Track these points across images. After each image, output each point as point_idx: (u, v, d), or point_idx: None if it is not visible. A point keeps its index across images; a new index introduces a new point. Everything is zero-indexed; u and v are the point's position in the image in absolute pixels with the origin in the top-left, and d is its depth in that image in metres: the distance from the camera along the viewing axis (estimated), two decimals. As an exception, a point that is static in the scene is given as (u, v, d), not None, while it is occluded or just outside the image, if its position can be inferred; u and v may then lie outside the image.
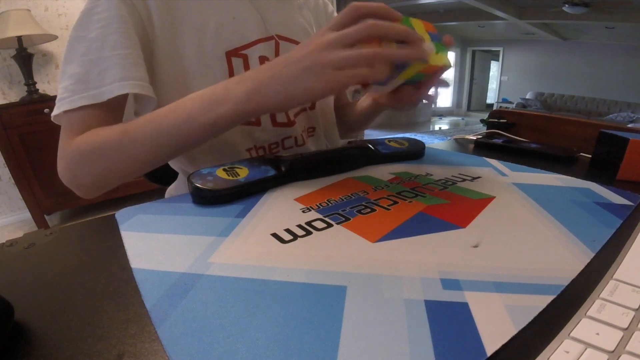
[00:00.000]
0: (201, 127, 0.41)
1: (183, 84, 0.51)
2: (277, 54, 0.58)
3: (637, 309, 0.21)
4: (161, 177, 0.76)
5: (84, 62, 0.43)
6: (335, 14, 0.75)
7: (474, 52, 9.08)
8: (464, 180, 0.48)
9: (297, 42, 0.60)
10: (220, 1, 0.53)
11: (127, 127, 0.42)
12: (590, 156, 0.60)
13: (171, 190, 0.68)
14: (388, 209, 0.38)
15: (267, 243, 0.31)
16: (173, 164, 0.61)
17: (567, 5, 4.62)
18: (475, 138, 0.76)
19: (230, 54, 0.53)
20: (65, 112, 0.43)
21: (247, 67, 0.54)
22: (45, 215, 2.18)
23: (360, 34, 0.37)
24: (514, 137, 0.78)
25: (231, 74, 0.53)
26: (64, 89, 0.43)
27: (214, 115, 0.40)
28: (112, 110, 0.45)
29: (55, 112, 0.44)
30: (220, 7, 0.52)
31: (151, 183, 0.80)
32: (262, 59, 0.55)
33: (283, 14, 0.60)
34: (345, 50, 0.37)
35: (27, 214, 2.18)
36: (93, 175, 0.45)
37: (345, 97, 0.79)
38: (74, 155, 0.44)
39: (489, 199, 0.41)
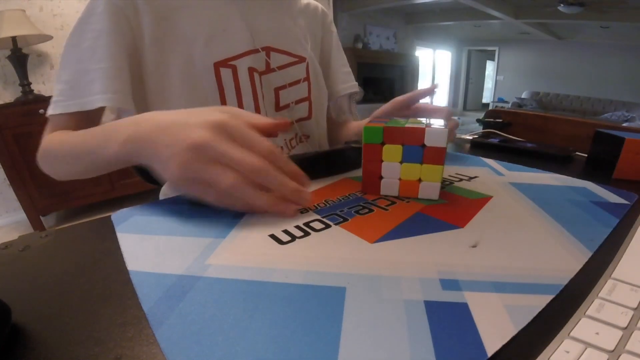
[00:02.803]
0: (99, 162, 0.42)
1: (166, 94, 0.53)
2: (267, 65, 0.58)
3: (636, 308, 0.21)
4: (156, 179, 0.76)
5: (76, 70, 0.47)
6: (333, 25, 0.74)
7: (469, 52, 9.11)
8: (461, 180, 0.48)
9: (287, 53, 0.60)
10: (212, 14, 0.53)
11: (62, 140, 0.46)
12: (586, 155, 0.61)
13: (165, 189, 0.68)
14: (386, 209, 0.38)
15: (265, 244, 0.31)
16: None
17: (562, 5, 4.65)
18: (471, 138, 0.76)
19: (219, 65, 0.53)
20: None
21: (235, 77, 0.54)
22: (40, 217, 2.16)
23: (245, 167, 0.32)
24: (510, 136, 0.78)
25: (219, 84, 0.53)
26: (60, 92, 0.48)
27: (104, 153, 0.39)
28: (92, 115, 0.48)
29: (50, 112, 0.48)
30: (211, 19, 0.53)
31: (147, 184, 0.80)
32: (251, 70, 0.55)
33: (275, 25, 0.59)
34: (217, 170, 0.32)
35: (22, 215, 2.16)
36: (48, 169, 0.51)
37: (340, 115, 0.78)
38: (40, 151, 0.50)
39: (486, 199, 0.41)
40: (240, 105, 0.55)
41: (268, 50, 0.57)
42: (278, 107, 0.61)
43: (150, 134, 0.35)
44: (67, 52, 0.48)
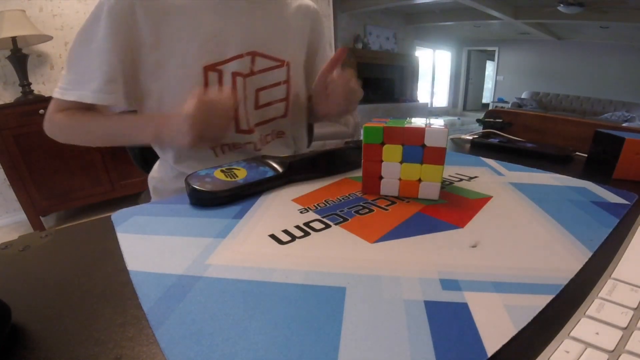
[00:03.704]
0: (130, 141, 0.65)
1: (163, 93, 0.61)
2: (252, 69, 0.63)
3: (635, 308, 0.21)
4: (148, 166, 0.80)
5: (83, 66, 0.56)
6: (322, 23, 0.77)
7: (469, 52, 9.10)
8: (461, 180, 0.48)
9: (271, 57, 0.65)
10: (205, 20, 0.58)
11: (83, 119, 0.59)
12: (586, 155, 0.61)
13: (153, 175, 0.73)
14: (386, 209, 0.38)
15: (265, 244, 0.31)
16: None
17: (562, 5, 4.64)
18: (471, 138, 0.76)
19: (208, 69, 0.59)
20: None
21: (220, 81, 0.61)
22: (40, 217, 2.16)
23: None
24: (510, 136, 0.78)
25: (206, 85, 0.60)
26: (68, 80, 0.57)
27: (138, 138, 0.60)
28: (87, 104, 0.58)
29: (56, 95, 0.58)
30: (204, 25, 0.58)
31: (147, 184, 0.80)
32: (235, 75, 0.61)
33: (264, 30, 0.63)
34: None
35: (22, 216, 2.16)
36: (62, 137, 0.62)
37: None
38: (54, 125, 0.60)
39: (486, 199, 0.41)
40: None
41: (254, 55, 0.63)
42: (257, 106, 0.67)
43: (164, 128, 0.56)
44: (77, 46, 0.56)
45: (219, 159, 0.66)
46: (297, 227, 0.34)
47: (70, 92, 0.56)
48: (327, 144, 2.92)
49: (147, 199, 0.74)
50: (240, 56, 0.61)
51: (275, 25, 0.65)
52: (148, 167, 0.78)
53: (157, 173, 0.73)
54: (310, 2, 0.74)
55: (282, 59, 0.66)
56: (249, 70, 0.63)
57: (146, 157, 0.86)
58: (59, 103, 0.59)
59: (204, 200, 0.40)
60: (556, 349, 0.19)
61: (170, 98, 0.60)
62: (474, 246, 0.31)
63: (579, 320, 0.21)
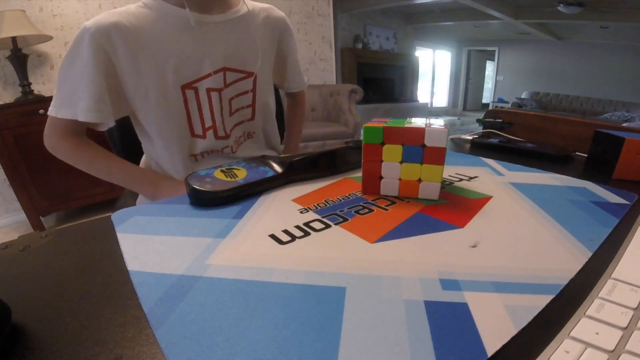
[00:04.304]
0: (131, 187, 0.73)
1: (146, 111, 0.67)
2: (225, 82, 0.70)
3: (635, 308, 0.21)
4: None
5: (70, 88, 0.61)
6: (290, 32, 0.84)
7: (469, 52, 9.09)
8: (461, 180, 0.48)
9: (239, 71, 0.72)
10: (177, 43, 0.64)
11: (87, 156, 0.68)
12: (586, 155, 0.61)
13: (140, 199, 0.79)
14: (386, 209, 0.38)
15: (265, 244, 0.31)
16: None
17: (561, 5, 4.64)
18: (471, 138, 0.76)
19: (185, 87, 0.66)
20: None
21: (197, 97, 0.68)
22: (40, 217, 2.16)
23: None
24: (510, 136, 0.78)
25: (185, 102, 0.68)
26: (60, 99, 0.62)
27: (130, 187, 0.73)
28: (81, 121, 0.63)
29: (51, 113, 0.63)
30: (177, 48, 0.64)
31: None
32: (209, 90, 0.69)
33: (231, 47, 0.70)
34: None
35: (22, 216, 2.16)
36: (66, 161, 0.68)
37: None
38: (58, 151, 0.67)
39: (486, 199, 0.41)
40: (201, 117, 0.70)
41: (225, 70, 0.70)
42: (231, 113, 0.75)
43: (160, 191, 0.69)
44: (65, 69, 0.61)
45: (198, 163, 0.74)
46: (297, 227, 0.34)
47: (63, 111, 0.61)
48: (327, 144, 2.92)
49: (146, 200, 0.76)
50: (217, 71, 0.68)
51: (244, 40, 0.72)
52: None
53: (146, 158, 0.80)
54: (278, 13, 0.80)
55: (249, 70, 0.73)
56: (222, 85, 0.70)
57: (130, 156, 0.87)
58: (55, 122, 0.64)
59: (204, 200, 0.40)
60: (556, 349, 0.19)
61: (154, 116, 0.67)
62: (474, 246, 0.31)
63: (579, 320, 0.21)
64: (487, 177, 0.49)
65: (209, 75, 0.68)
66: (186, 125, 0.70)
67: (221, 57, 0.69)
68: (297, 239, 0.32)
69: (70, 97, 0.61)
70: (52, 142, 0.67)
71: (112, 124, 0.64)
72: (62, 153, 0.67)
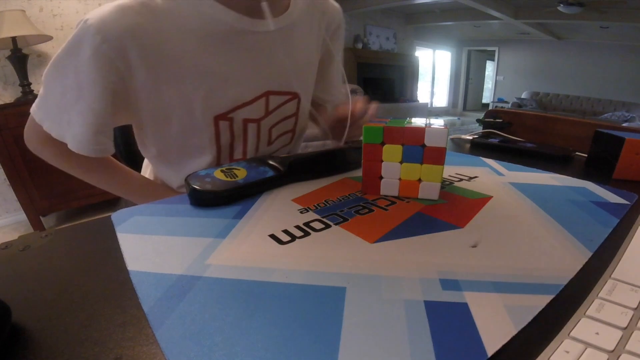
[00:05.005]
0: (129, 198, 0.64)
1: (165, 137, 0.55)
2: (266, 109, 0.57)
3: (635, 308, 0.21)
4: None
5: (62, 103, 0.47)
6: (342, 31, 0.69)
7: (469, 52, 9.10)
8: (461, 180, 0.48)
9: (284, 93, 0.58)
10: (213, 64, 0.49)
11: (75, 169, 0.58)
12: (586, 155, 0.61)
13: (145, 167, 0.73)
14: (386, 210, 0.38)
15: (265, 244, 0.31)
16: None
17: (561, 5, 4.64)
18: (471, 138, 0.76)
19: (218, 118, 0.53)
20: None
21: (231, 129, 0.55)
22: (41, 217, 2.16)
23: None
24: (510, 136, 0.78)
25: (217, 137, 0.55)
26: (46, 109, 0.49)
27: (128, 197, 0.64)
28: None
29: (33, 114, 0.50)
30: (212, 70, 0.49)
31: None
32: (245, 122, 0.56)
33: (280, 63, 0.54)
34: None
35: (22, 216, 2.16)
36: (47, 159, 0.58)
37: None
38: (42, 154, 0.57)
39: (486, 199, 0.41)
40: (231, 152, 0.58)
41: (268, 94, 0.56)
42: (270, 142, 0.62)
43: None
44: (53, 74, 0.47)
45: None
46: (297, 227, 0.34)
47: (49, 124, 0.49)
48: (327, 144, 2.93)
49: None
50: (258, 97, 0.54)
51: (291, 54, 0.56)
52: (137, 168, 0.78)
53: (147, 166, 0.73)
54: (333, 5, 0.64)
55: (293, 91, 0.59)
56: (263, 113, 0.57)
57: (134, 160, 0.84)
58: (37, 127, 0.50)
59: (204, 200, 0.40)
60: (556, 349, 0.19)
61: (175, 146, 0.55)
62: (474, 246, 0.31)
63: (579, 320, 0.21)
64: (487, 177, 0.49)
65: (251, 101, 0.54)
66: (213, 161, 0.57)
67: (265, 77, 0.54)
68: (297, 239, 0.32)
69: (59, 114, 0.48)
70: (34, 144, 0.55)
71: (111, 153, 0.52)
72: (46, 157, 0.56)
